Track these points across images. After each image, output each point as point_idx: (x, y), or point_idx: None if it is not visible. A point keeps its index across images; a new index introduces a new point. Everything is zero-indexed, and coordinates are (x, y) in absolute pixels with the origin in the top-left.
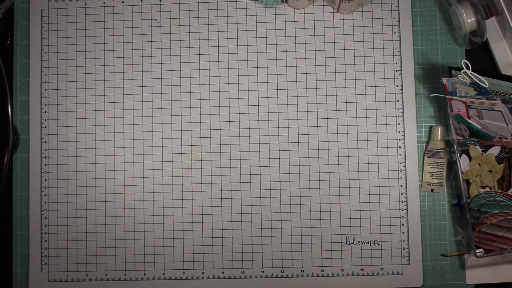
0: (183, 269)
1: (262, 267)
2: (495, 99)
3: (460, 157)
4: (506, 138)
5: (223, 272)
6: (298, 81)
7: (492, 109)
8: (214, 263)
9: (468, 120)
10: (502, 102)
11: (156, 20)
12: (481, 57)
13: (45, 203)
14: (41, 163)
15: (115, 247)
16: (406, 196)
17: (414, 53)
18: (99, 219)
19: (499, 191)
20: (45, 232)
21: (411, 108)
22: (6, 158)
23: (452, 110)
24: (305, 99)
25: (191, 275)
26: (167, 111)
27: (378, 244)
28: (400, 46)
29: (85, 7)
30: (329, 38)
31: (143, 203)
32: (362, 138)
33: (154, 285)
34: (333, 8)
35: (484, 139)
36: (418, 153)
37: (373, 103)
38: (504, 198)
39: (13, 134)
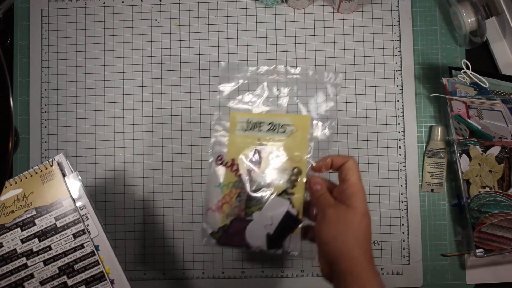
0: (183, 269)
1: (262, 267)
2: (495, 99)
3: (460, 157)
4: (506, 138)
5: (223, 272)
6: None
7: (492, 109)
8: (214, 263)
9: (468, 120)
10: (502, 102)
11: (156, 20)
12: (481, 57)
13: None
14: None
15: (115, 247)
16: (406, 196)
17: (414, 53)
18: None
19: (499, 191)
20: None
21: (411, 108)
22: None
23: (452, 110)
24: None
25: (191, 275)
26: (167, 111)
27: (378, 244)
28: (400, 46)
29: (85, 7)
30: (329, 38)
31: (143, 203)
32: (362, 138)
33: (154, 285)
34: (333, 8)
35: (484, 139)
36: (418, 153)
37: (373, 103)
38: (504, 198)
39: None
